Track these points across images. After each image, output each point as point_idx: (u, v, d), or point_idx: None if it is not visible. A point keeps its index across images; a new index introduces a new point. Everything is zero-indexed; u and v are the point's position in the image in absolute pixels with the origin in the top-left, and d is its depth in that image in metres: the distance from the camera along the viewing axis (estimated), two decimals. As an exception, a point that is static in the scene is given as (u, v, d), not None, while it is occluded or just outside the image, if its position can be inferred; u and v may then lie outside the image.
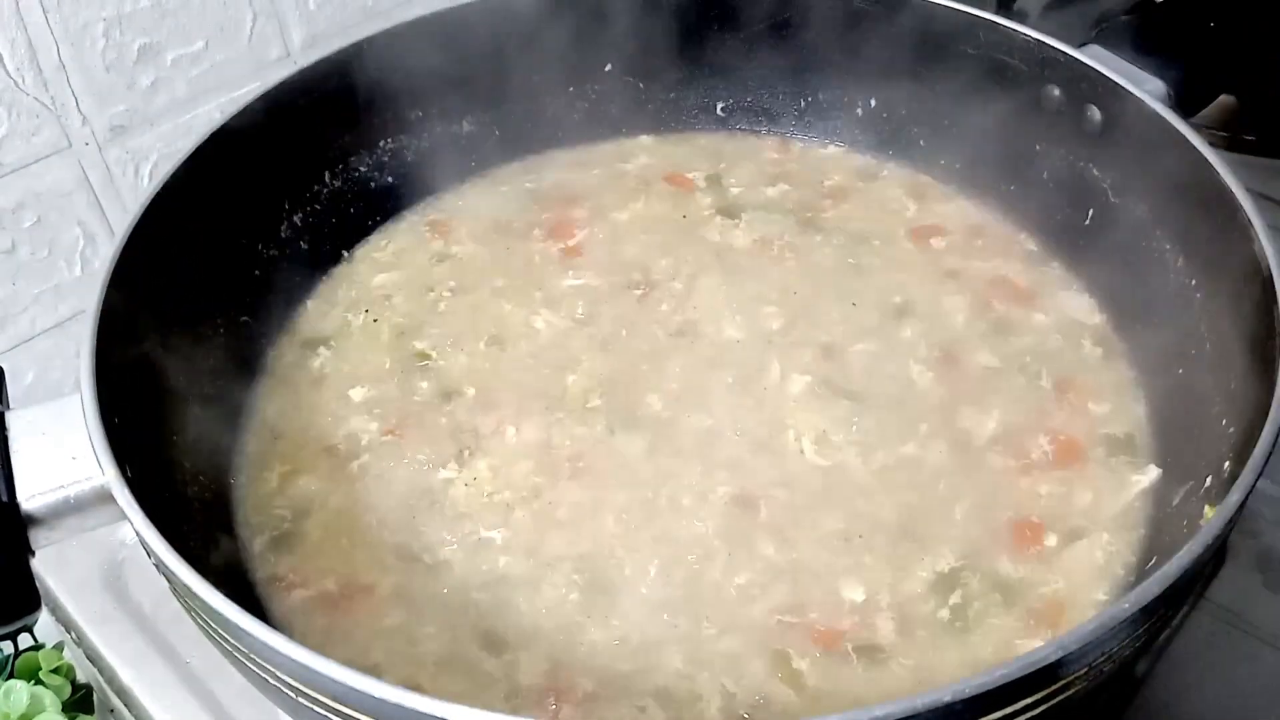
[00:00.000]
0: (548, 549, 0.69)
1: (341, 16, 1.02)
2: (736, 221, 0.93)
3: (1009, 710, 0.46)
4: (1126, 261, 0.80)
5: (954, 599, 0.66)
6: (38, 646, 0.87)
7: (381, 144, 0.93)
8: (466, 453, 0.75)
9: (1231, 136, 1.07)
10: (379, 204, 0.94)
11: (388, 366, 0.82)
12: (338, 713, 0.48)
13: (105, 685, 0.77)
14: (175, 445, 0.69)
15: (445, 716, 0.44)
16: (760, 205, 0.94)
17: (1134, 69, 0.81)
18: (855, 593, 0.66)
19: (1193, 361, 0.71)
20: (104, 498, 0.56)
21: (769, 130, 1.03)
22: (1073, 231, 0.86)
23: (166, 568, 0.52)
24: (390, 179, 0.94)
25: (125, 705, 0.75)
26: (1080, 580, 0.67)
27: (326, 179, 0.90)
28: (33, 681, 0.82)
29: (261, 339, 0.84)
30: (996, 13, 0.87)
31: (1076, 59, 0.81)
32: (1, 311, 0.90)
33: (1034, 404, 0.77)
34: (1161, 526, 0.68)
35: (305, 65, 0.84)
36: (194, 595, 0.51)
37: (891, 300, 0.85)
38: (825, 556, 0.68)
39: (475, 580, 0.68)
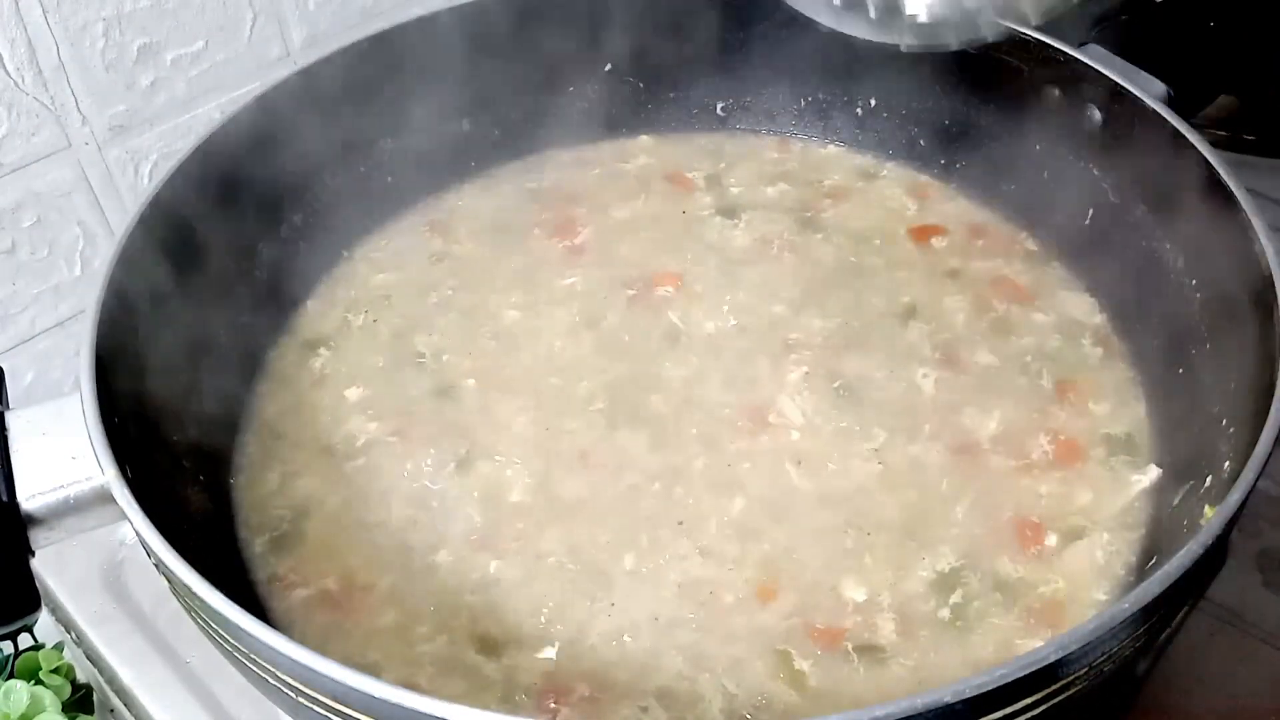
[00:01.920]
0: (548, 549, 0.69)
1: (341, 16, 1.02)
2: (736, 221, 0.93)
3: (1009, 710, 0.46)
4: (1126, 261, 0.80)
5: (954, 598, 0.66)
6: (38, 646, 0.87)
7: (381, 144, 0.93)
8: (467, 453, 0.75)
9: (1231, 136, 1.07)
10: (379, 204, 0.94)
11: (388, 367, 0.82)
12: (338, 712, 0.48)
13: (105, 685, 0.77)
14: (175, 445, 0.69)
15: (445, 716, 0.44)
16: (760, 205, 0.94)
17: (1134, 69, 0.81)
18: (856, 592, 0.66)
19: (1193, 361, 0.71)
20: (104, 498, 0.56)
21: (769, 130, 1.03)
22: (1073, 231, 0.86)
23: (166, 568, 0.52)
24: (390, 179, 0.94)
25: (125, 705, 0.75)
26: (1080, 580, 0.67)
27: (326, 179, 0.90)
28: (33, 681, 0.82)
29: (261, 339, 0.84)
30: (996, 12, 0.87)
31: (1076, 59, 0.81)
32: (1, 311, 0.90)
33: (1034, 404, 0.77)
34: (1161, 526, 0.68)
35: (305, 65, 0.84)
36: (194, 595, 0.51)
37: (892, 300, 0.85)
38: (826, 556, 0.68)
39: (474, 580, 0.68)
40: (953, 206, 0.94)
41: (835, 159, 1.00)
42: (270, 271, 0.85)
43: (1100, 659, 0.48)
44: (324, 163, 0.89)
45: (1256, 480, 0.53)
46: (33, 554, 0.57)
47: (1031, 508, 0.71)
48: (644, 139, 1.02)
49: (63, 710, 0.80)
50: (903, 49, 0.82)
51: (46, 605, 0.80)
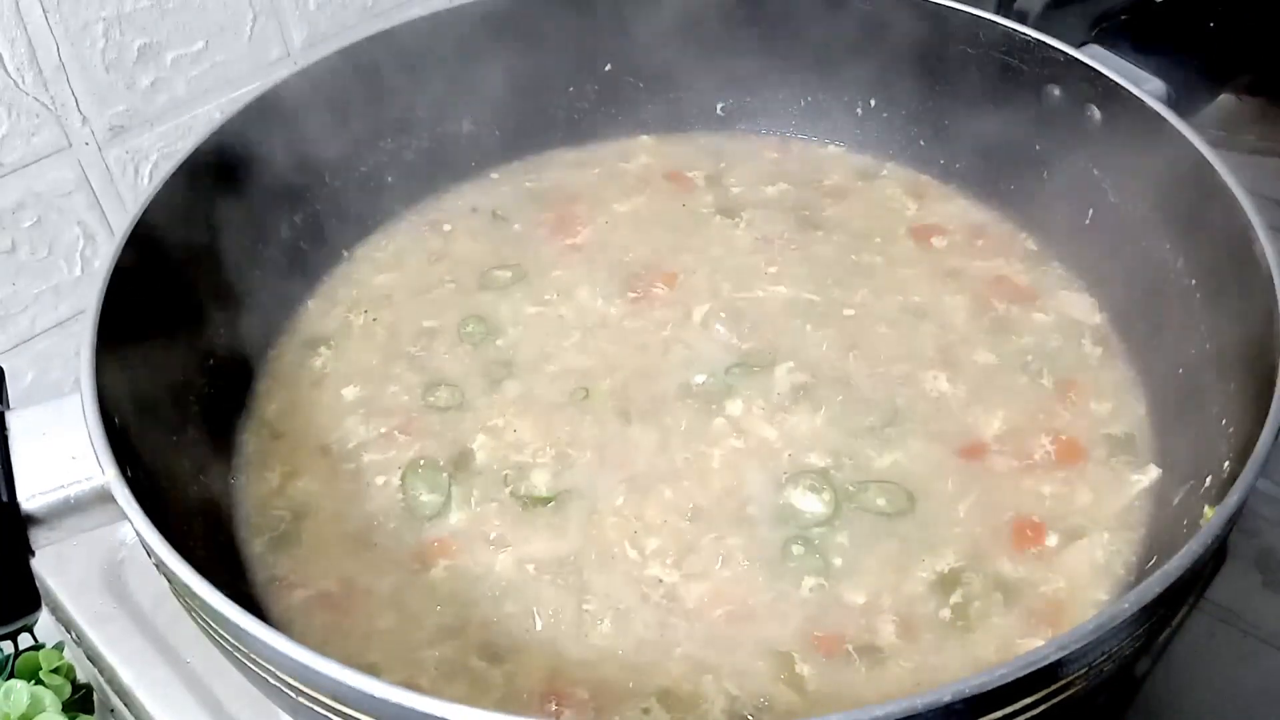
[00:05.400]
0: (546, 549, 0.69)
1: (341, 16, 1.02)
2: (737, 220, 0.93)
3: (1009, 710, 0.46)
4: (1126, 261, 0.80)
5: (955, 599, 0.66)
6: (38, 646, 0.87)
7: (381, 144, 0.93)
8: (467, 452, 0.75)
9: (1231, 136, 1.07)
10: (379, 204, 0.94)
11: (388, 366, 0.82)
12: (338, 712, 0.48)
13: (105, 685, 0.77)
14: (175, 445, 0.69)
15: (445, 716, 0.44)
16: (760, 204, 0.94)
17: (1134, 69, 0.81)
18: (857, 595, 0.66)
19: (1193, 361, 0.71)
20: (104, 498, 0.56)
21: (769, 130, 1.03)
22: (1073, 231, 0.86)
23: (166, 568, 0.52)
24: (390, 179, 0.94)
25: (125, 705, 0.75)
26: (1081, 580, 0.67)
27: (326, 179, 0.90)
28: (33, 681, 0.82)
29: (261, 339, 0.84)
30: (996, 13, 0.87)
31: (1076, 59, 0.81)
32: (1, 311, 0.90)
33: (1035, 403, 0.77)
34: (1161, 526, 0.68)
35: (305, 65, 0.84)
36: (194, 595, 0.51)
37: (892, 299, 0.85)
38: (828, 557, 0.68)
39: (475, 582, 0.68)
40: (953, 206, 0.94)
41: (835, 159, 1.00)
42: (270, 271, 0.85)
43: (1100, 659, 0.48)
44: (324, 163, 0.89)
45: (1256, 480, 0.53)
46: (33, 554, 0.57)
47: (1033, 508, 0.70)
48: (644, 139, 1.02)
49: (63, 710, 0.80)
50: None
51: (46, 605, 0.80)
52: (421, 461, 0.75)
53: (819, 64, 0.98)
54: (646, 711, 0.61)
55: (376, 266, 0.91)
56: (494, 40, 0.93)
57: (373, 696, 0.45)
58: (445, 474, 0.74)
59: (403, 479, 0.74)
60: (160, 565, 0.53)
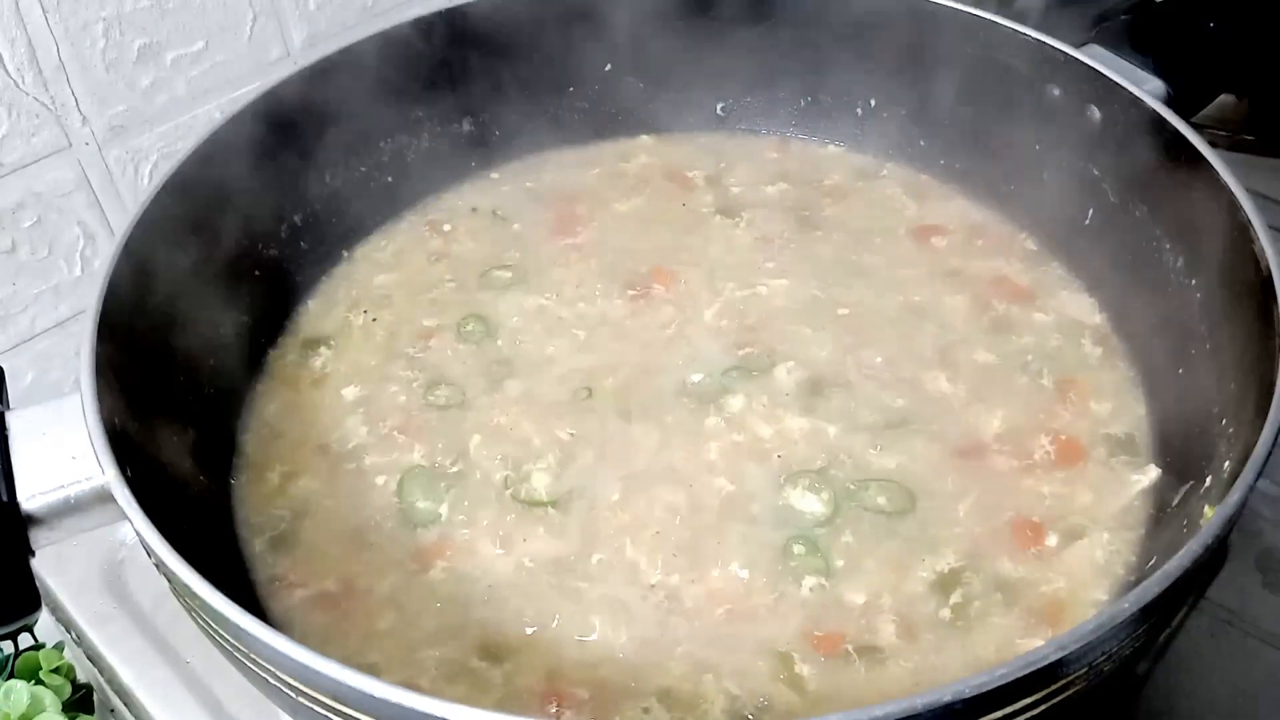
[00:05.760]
0: (548, 548, 0.69)
1: (341, 16, 1.02)
2: (736, 220, 0.93)
3: (1009, 710, 0.46)
4: (1126, 261, 0.80)
5: (955, 598, 0.66)
6: (38, 646, 0.87)
7: (381, 144, 0.93)
8: (467, 452, 0.75)
9: (1231, 136, 1.07)
10: (379, 204, 0.94)
11: (388, 366, 0.82)
12: (338, 712, 0.48)
13: (105, 685, 0.77)
14: (175, 445, 0.69)
15: (445, 716, 0.44)
16: (760, 204, 0.94)
17: (1134, 69, 0.81)
18: (857, 594, 0.66)
19: (1193, 361, 0.71)
20: (104, 498, 0.56)
21: (769, 130, 1.03)
22: (1073, 231, 0.86)
23: (166, 568, 0.52)
24: (390, 179, 0.94)
25: (125, 705, 0.75)
26: (1080, 580, 0.67)
27: (326, 179, 0.90)
28: (33, 681, 0.82)
29: (261, 339, 0.84)
30: (996, 13, 0.87)
31: (1076, 59, 0.81)
32: (1, 311, 0.90)
33: (1035, 403, 0.77)
34: (1161, 526, 0.68)
35: (305, 65, 0.84)
36: (194, 595, 0.51)
37: (892, 299, 0.85)
38: (828, 557, 0.68)
39: (475, 583, 0.68)
40: (953, 206, 0.94)
41: (835, 159, 1.00)
42: (271, 271, 0.85)
43: (1100, 659, 0.48)
44: (324, 162, 0.89)
45: (1256, 480, 0.53)
46: (33, 554, 0.57)
47: (1032, 508, 0.70)
48: (644, 139, 1.02)
49: (63, 710, 0.80)
50: None
51: (46, 605, 0.80)
52: (417, 468, 0.74)
53: (819, 64, 0.98)
54: (647, 711, 0.61)
55: (376, 266, 0.91)
56: (494, 40, 0.93)
57: (373, 696, 0.45)
58: (442, 481, 0.74)
59: (399, 486, 0.74)
60: (160, 565, 0.53)
